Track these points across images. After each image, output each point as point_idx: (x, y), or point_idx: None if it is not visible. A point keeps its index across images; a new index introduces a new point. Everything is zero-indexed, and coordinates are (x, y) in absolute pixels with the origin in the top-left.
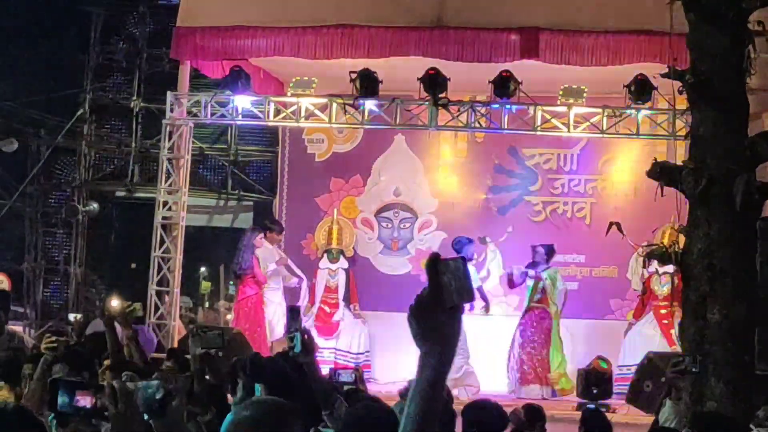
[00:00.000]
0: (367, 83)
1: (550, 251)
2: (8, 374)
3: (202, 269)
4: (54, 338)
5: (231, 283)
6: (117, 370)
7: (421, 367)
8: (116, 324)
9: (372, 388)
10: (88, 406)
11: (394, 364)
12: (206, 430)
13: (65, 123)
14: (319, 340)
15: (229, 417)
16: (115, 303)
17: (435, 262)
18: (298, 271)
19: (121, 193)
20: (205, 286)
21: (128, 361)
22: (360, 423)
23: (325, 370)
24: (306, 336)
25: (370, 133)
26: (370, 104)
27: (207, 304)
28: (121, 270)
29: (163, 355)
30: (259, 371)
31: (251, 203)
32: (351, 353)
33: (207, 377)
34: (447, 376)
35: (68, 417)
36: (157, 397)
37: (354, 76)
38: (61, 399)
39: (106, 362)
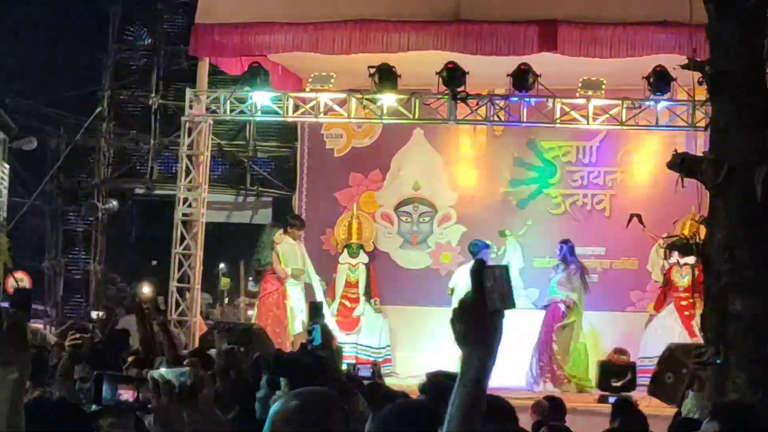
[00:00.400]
0: (386, 78)
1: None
2: (32, 372)
3: (221, 265)
4: (78, 335)
5: (251, 279)
6: (142, 365)
7: (463, 368)
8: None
9: (393, 383)
10: (131, 399)
11: (414, 358)
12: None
13: (84, 121)
14: (340, 335)
15: (276, 406)
16: (146, 289)
17: (480, 269)
18: (315, 281)
19: (140, 191)
20: (225, 282)
21: (152, 357)
22: (397, 420)
23: (343, 366)
24: (325, 330)
25: (388, 128)
26: (388, 99)
27: (226, 301)
28: (141, 267)
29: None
30: (283, 367)
31: (270, 199)
32: (372, 348)
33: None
34: (489, 377)
35: (109, 411)
36: (188, 383)
37: (372, 70)
38: (105, 392)
39: (130, 358)
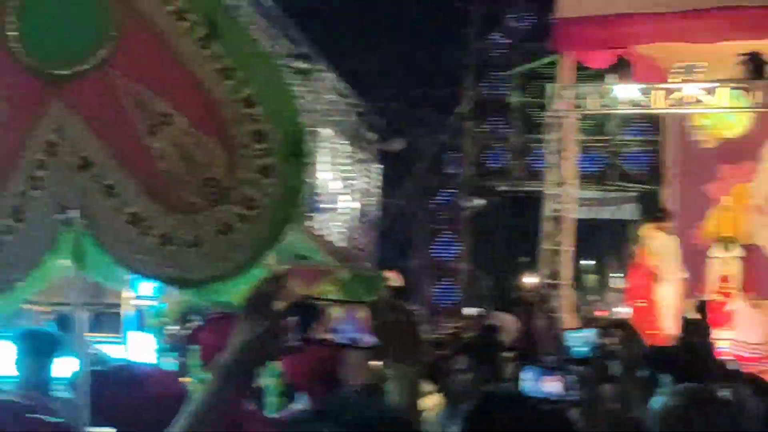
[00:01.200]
0: (756, 66)
1: None
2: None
3: (586, 262)
4: (460, 324)
5: (616, 275)
6: (523, 361)
7: None
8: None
9: None
10: (559, 391)
11: None
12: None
13: (447, 121)
14: (712, 331)
15: (658, 404)
16: (531, 279)
17: None
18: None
19: (504, 188)
20: (591, 279)
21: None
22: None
23: None
24: (696, 320)
25: (760, 117)
26: (760, 87)
27: (591, 297)
28: (507, 264)
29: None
30: (662, 361)
31: (634, 194)
32: (749, 344)
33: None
34: None
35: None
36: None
37: (742, 58)
38: (528, 385)
39: (509, 354)
